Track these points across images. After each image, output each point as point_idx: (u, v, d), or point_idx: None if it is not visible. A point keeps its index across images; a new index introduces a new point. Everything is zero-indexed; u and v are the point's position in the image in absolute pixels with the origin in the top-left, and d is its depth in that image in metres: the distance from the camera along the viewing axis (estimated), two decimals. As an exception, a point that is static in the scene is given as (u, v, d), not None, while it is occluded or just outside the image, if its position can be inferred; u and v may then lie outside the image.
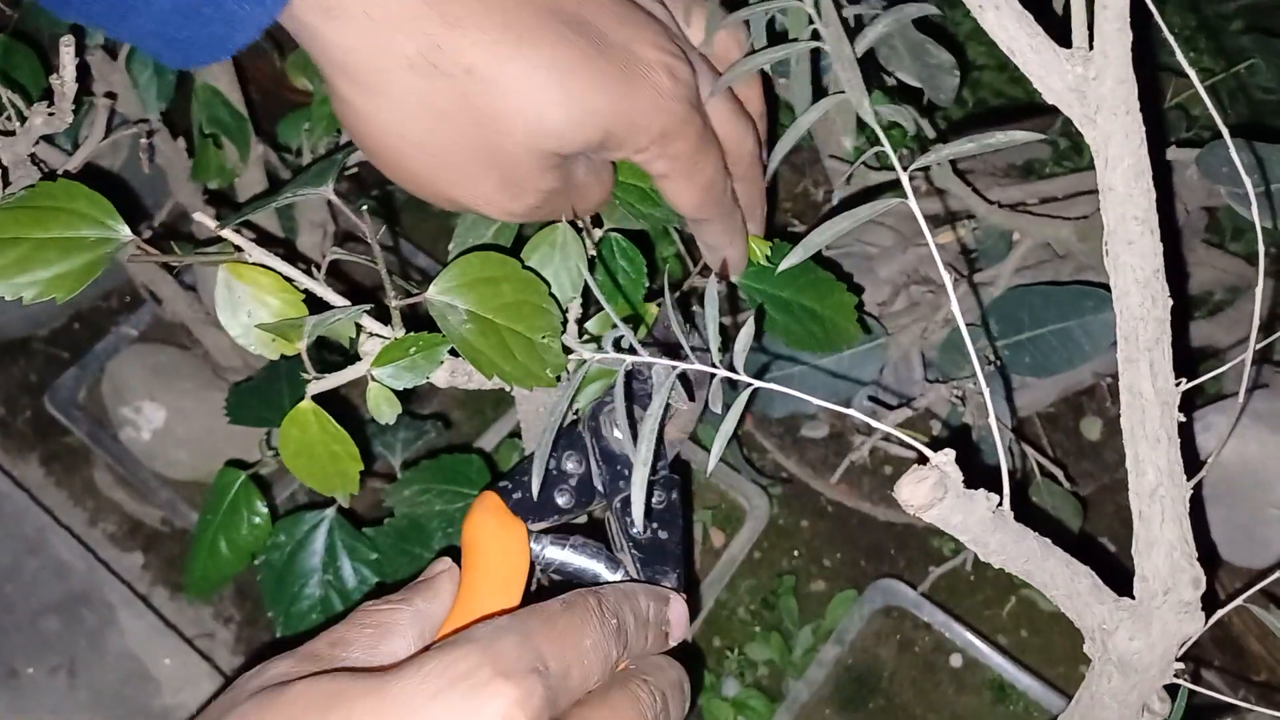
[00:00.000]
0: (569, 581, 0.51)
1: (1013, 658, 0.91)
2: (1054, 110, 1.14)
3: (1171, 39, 0.44)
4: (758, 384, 0.44)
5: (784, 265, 0.46)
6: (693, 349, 0.45)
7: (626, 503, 0.53)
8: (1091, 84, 0.43)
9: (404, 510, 0.73)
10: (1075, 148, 1.30)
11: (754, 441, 1.09)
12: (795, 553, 1.08)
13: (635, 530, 0.52)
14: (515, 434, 0.94)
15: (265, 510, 0.71)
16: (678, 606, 0.49)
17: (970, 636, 0.92)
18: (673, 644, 0.49)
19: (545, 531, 0.53)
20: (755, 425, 1.07)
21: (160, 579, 1.05)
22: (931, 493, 0.41)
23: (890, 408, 0.90)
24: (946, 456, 0.41)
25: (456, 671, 0.37)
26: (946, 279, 0.44)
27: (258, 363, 0.98)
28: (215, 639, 1.01)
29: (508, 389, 0.64)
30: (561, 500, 0.53)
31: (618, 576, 0.51)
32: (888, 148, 0.47)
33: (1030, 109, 1.35)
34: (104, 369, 1.03)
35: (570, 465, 0.54)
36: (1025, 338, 0.83)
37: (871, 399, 0.90)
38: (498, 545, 0.51)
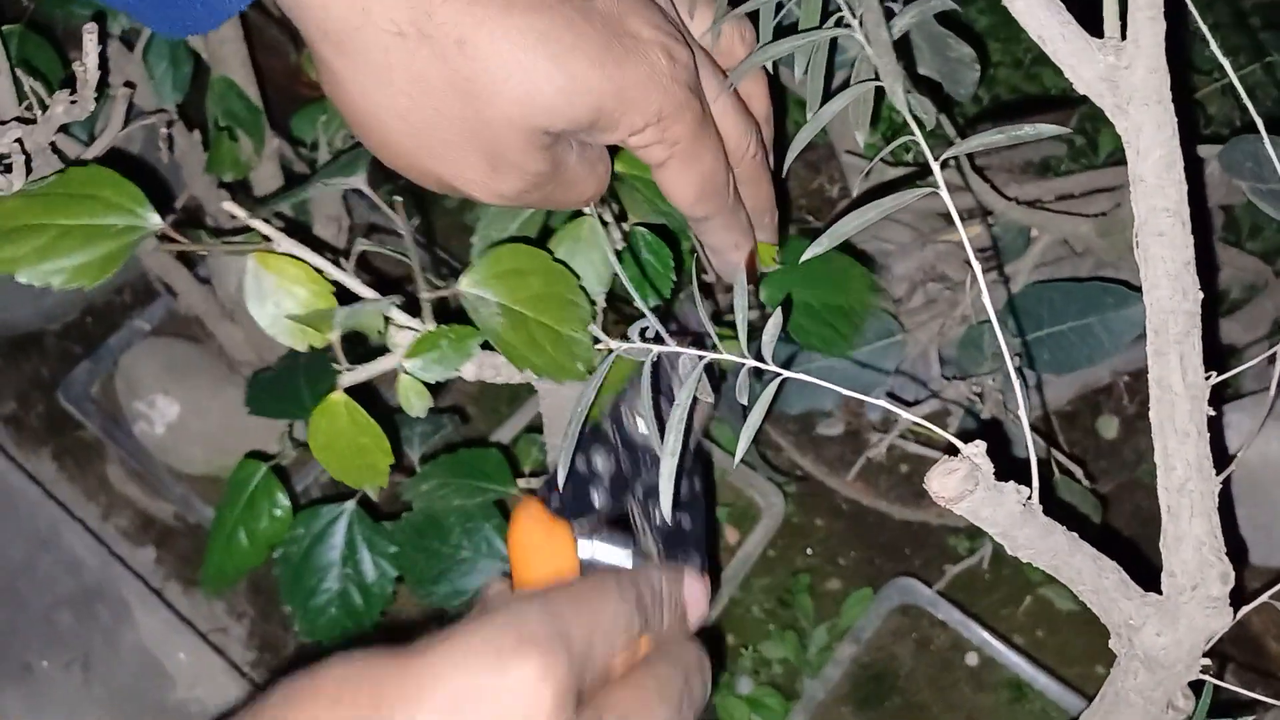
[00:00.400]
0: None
1: (1030, 657, 0.91)
2: (1069, 106, 1.16)
3: (1205, 29, 0.44)
4: (786, 374, 0.43)
5: (809, 254, 0.45)
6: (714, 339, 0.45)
7: (650, 492, 0.53)
8: (1123, 73, 0.43)
9: (422, 504, 0.73)
10: (1091, 145, 1.30)
11: (769, 439, 1.08)
12: (810, 551, 1.08)
13: (659, 519, 0.52)
14: (533, 428, 0.94)
15: (287, 503, 0.71)
16: (694, 585, 0.49)
17: (987, 635, 0.91)
18: (693, 624, 0.49)
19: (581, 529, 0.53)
20: (771, 422, 1.07)
21: (173, 574, 1.05)
22: (962, 485, 0.40)
23: (908, 404, 0.89)
24: (978, 448, 0.41)
25: (481, 640, 0.37)
26: (977, 268, 0.43)
27: (272, 356, 0.98)
28: (229, 634, 1.01)
29: (533, 382, 0.64)
30: (598, 500, 0.54)
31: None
32: (919, 136, 0.46)
33: (1045, 105, 1.35)
34: (117, 363, 1.03)
35: (600, 462, 0.54)
36: (1045, 334, 0.82)
37: (890, 395, 0.90)
38: (546, 551, 0.52)
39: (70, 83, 0.60)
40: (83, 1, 0.78)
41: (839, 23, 0.55)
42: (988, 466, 0.41)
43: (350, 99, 0.47)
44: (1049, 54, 0.44)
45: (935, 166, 0.46)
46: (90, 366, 1.04)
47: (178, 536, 1.07)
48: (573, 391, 0.68)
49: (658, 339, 0.46)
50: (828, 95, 0.60)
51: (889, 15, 0.73)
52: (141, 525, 1.08)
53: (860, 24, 0.51)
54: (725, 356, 0.43)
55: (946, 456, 0.41)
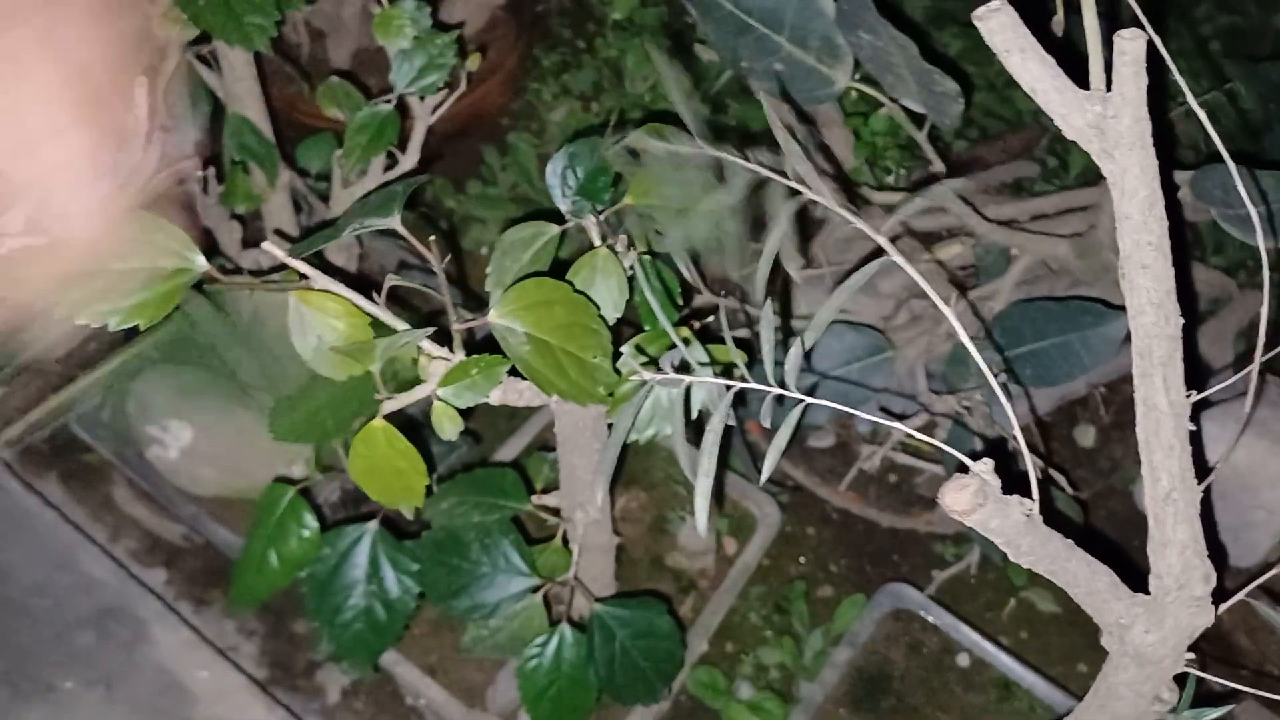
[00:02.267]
0: None
1: (1018, 657, 0.95)
2: (1040, 128, 1.22)
3: (1181, 80, 0.48)
4: (810, 400, 0.47)
5: (808, 342, 0.48)
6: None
7: None
8: (1110, 122, 0.47)
9: (442, 522, 0.76)
10: (1063, 166, 1.35)
11: (762, 452, 1.12)
12: (802, 560, 1.12)
13: None
14: (543, 446, 0.97)
15: (315, 524, 0.73)
16: None
17: (977, 637, 0.96)
18: None
19: None
20: (764, 436, 1.11)
21: (183, 594, 1.07)
22: (973, 499, 0.44)
23: (899, 417, 0.94)
24: (986, 466, 0.45)
25: None
26: (943, 306, 0.47)
27: (282, 383, 1.01)
28: (240, 652, 1.03)
29: (552, 405, 0.68)
30: None
31: None
32: (860, 224, 0.50)
33: (1017, 127, 1.40)
34: (128, 389, 1.05)
35: None
36: (1027, 350, 0.87)
37: (882, 409, 0.94)
38: None
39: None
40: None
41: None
42: (995, 482, 0.45)
43: None
44: (1040, 105, 0.48)
45: (884, 242, 0.49)
46: (101, 392, 1.06)
47: (186, 556, 1.09)
48: (587, 413, 0.72)
49: (686, 368, 0.49)
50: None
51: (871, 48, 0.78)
52: (149, 546, 1.10)
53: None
54: (754, 386, 0.46)
55: (958, 474, 0.45)
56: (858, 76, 0.90)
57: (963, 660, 0.97)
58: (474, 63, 0.85)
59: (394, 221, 0.58)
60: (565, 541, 0.82)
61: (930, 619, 0.98)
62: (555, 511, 0.81)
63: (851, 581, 1.11)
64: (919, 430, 1.02)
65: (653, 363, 0.57)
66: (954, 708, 0.95)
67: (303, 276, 0.58)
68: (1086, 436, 1.10)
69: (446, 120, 0.88)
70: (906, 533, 1.13)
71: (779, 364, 0.47)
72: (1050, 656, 1.05)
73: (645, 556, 1.02)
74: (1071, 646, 1.08)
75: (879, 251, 0.47)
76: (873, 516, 1.10)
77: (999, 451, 0.88)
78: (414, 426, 0.60)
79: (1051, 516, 0.53)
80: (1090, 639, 1.08)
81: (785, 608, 1.08)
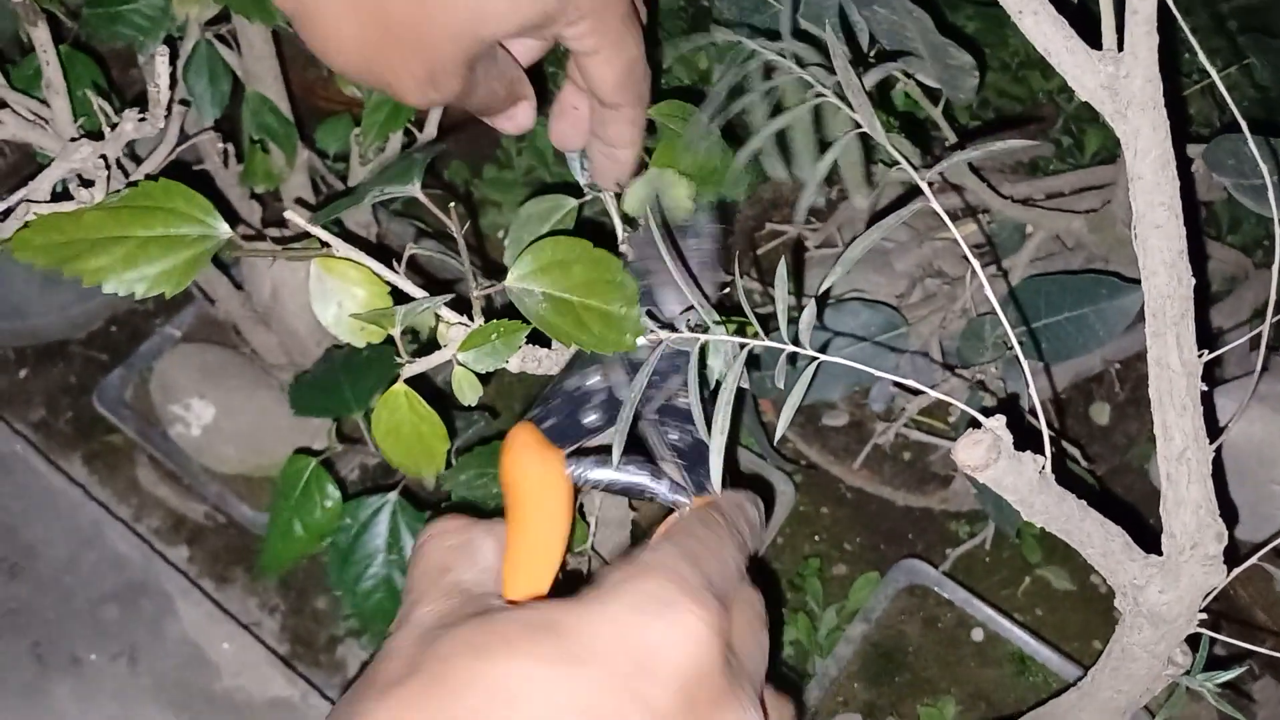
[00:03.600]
0: (621, 494, 0.52)
1: (1033, 632, 0.95)
2: (1055, 109, 1.23)
3: (1194, 40, 0.49)
4: (824, 358, 0.48)
5: (826, 283, 0.49)
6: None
7: (666, 410, 0.54)
8: (1122, 82, 0.47)
9: (461, 494, 0.77)
10: (1078, 145, 1.35)
11: (773, 430, 1.13)
12: (816, 538, 1.13)
13: (672, 437, 0.53)
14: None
15: (337, 494, 0.74)
16: (750, 508, 0.51)
17: (991, 612, 0.96)
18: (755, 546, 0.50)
19: (583, 452, 0.52)
20: (777, 414, 1.11)
21: (206, 572, 1.08)
22: (987, 454, 0.45)
23: (913, 393, 0.94)
24: (999, 421, 0.45)
25: (647, 594, 0.38)
26: (976, 265, 0.48)
27: (302, 359, 1.02)
28: (262, 628, 1.04)
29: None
30: (589, 419, 0.54)
31: (662, 487, 0.51)
32: (908, 167, 0.51)
33: (1033, 107, 1.41)
34: (151, 368, 1.06)
35: (594, 381, 0.56)
36: (1042, 324, 0.87)
37: (898, 384, 0.94)
38: (538, 475, 0.51)
39: (106, 97, 0.64)
40: (126, 22, 0.82)
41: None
42: (1008, 438, 0.46)
43: None
44: (1054, 65, 0.48)
45: (925, 187, 0.50)
46: (124, 372, 1.07)
47: (209, 535, 1.11)
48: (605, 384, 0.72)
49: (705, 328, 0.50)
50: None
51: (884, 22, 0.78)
52: (173, 525, 1.11)
53: (837, 90, 0.55)
54: (769, 344, 0.47)
55: (970, 429, 0.46)
56: (873, 54, 0.90)
57: (978, 635, 0.97)
58: (490, 40, 0.86)
59: (414, 189, 0.59)
60: (582, 514, 0.82)
61: (945, 594, 0.98)
62: (572, 485, 0.82)
63: (866, 560, 1.12)
64: (934, 405, 1.03)
65: (667, 325, 0.58)
66: (969, 681, 0.95)
67: (324, 245, 0.59)
68: (1102, 414, 1.10)
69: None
70: (921, 511, 1.13)
71: (794, 322, 0.48)
72: (1066, 633, 1.06)
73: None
74: (1087, 624, 1.08)
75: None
76: (887, 494, 1.10)
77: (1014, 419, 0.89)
78: (434, 400, 0.61)
79: (1066, 479, 0.53)
80: (1105, 616, 1.09)
81: (799, 585, 1.08)
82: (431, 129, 0.88)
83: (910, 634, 0.98)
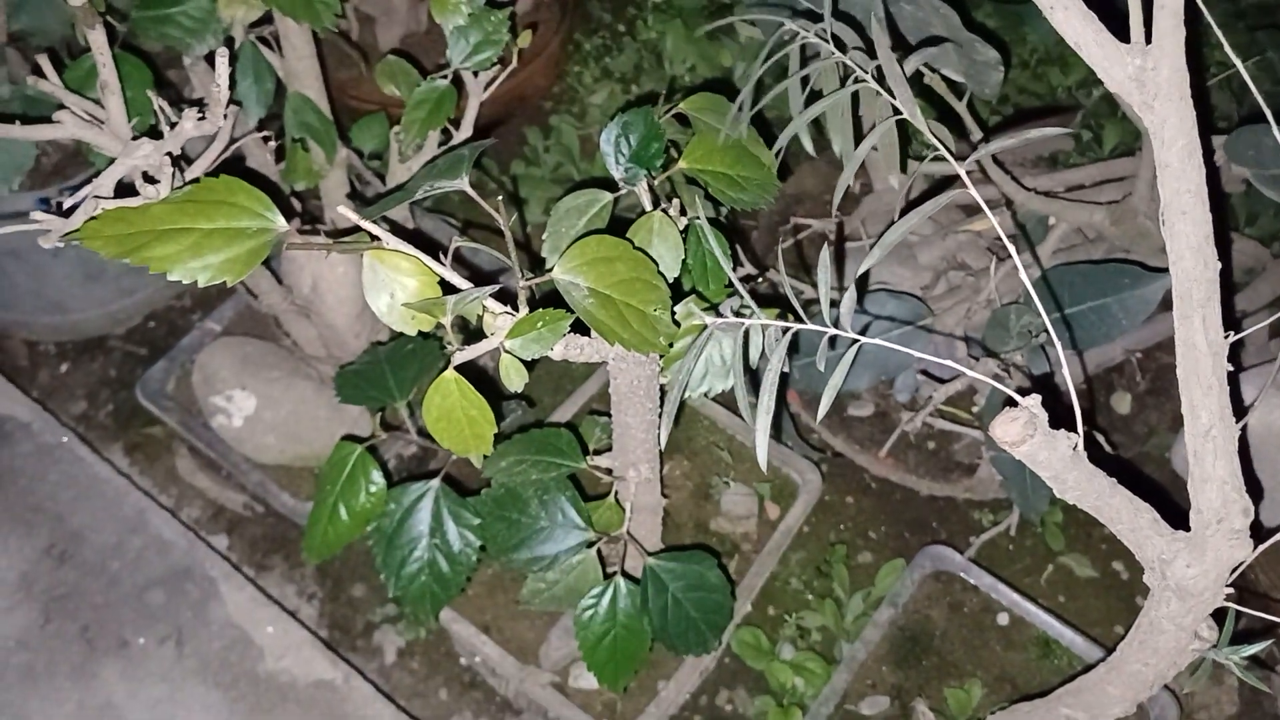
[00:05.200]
0: None
1: (1057, 615, 0.97)
2: (1074, 105, 1.26)
3: (1220, 34, 0.51)
4: (865, 340, 0.50)
5: (864, 266, 0.52)
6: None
7: None
8: (1150, 74, 0.49)
9: (501, 480, 0.80)
10: (1097, 140, 1.37)
11: (802, 420, 1.15)
12: (842, 526, 1.15)
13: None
14: (593, 411, 1.01)
15: (381, 480, 0.77)
16: None
17: (1017, 597, 0.98)
18: None
19: None
20: (804, 406, 1.13)
21: (245, 559, 1.11)
22: (1023, 430, 0.47)
23: (941, 381, 0.96)
24: (1035, 399, 0.47)
25: None
26: (1012, 249, 0.50)
27: (341, 351, 1.05)
28: (300, 615, 1.07)
29: (610, 361, 0.71)
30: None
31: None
32: (945, 153, 0.53)
33: (1052, 103, 1.42)
34: (192, 361, 1.09)
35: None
36: (1066, 314, 0.89)
37: (925, 373, 0.96)
38: None
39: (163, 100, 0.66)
40: (174, 24, 0.84)
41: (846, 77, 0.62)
42: (1043, 415, 0.48)
43: None
44: (1083, 58, 0.50)
45: (962, 172, 0.52)
46: (166, 365, 1.10)
47: (248, 524, 1.14)
48: (642, 371, 0.75)
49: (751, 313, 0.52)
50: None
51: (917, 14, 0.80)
52: (212, 515, 1.14)
53: (875, 75, 0.57)
54: (812, 327, 0.49)
55: (1008, 408, 0.48)
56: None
57: (1003, 619, 0.99)
58: (525, 40, 0.88)
59: (463, 183, 0.61)
60: (618, 500, 0.85)
61: (970, 580, 1.00)
62: (608, 472, 0.84)
63: (890, 548, 1.14)
64: (960, 394, 1.05)
65: (712, 309, 0.60)
66: (995, 664, 0.97)
67: (373, 238, 0.61)
68: (1123, 403, 1.12)
69: (490, 103, 0.91)
70: (945, 500, 1.15)
71: (834, 305, 0.50)
72: (1088, 619, 1.07)
73: (689, 521, 1.05)
74: (1109, 610, 1.10)
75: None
76: (911, 483, 1.12)
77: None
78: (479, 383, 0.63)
79: (1095, 457, 0.55)
80: (1127, 602, 1.11)
81: (826, 572, 1.10)
82: (468, 128, 0.91)
83: (936, 619, 1.00)
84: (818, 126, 0.77)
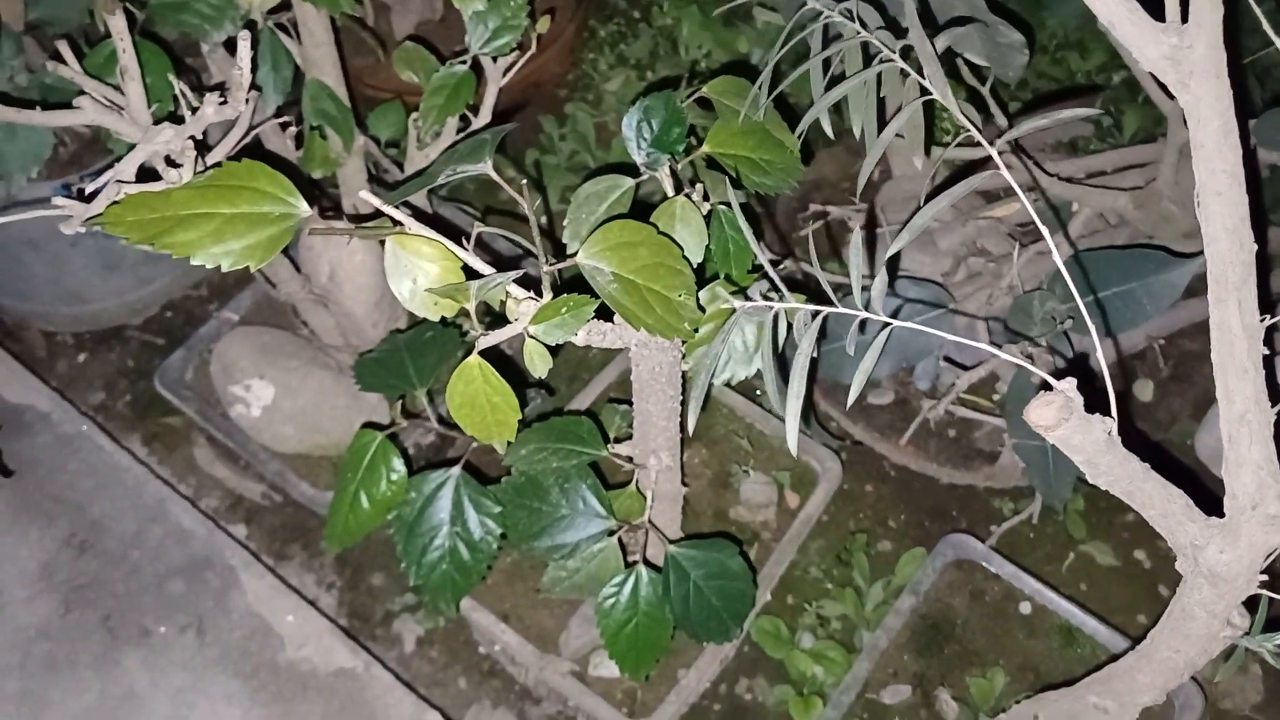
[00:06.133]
0: None
1: (1080, 604, 0.96)
2: (1094, 90, 1.24)
3: (1260, 13, 0.50)
4: (896, 324, 0.49)
5: (893, 249, 0.51)
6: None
7: None
8: (1185, 52, 0.48)
9: (522, 468, 0.79)
10: (1117, 125, 1.36)
11: (823, 410, 1.15)
12: (861, 515, 1.14)
13: None
14: (612, 399, 1.00)
15: (402, 467, 0.76)
16: None
17: (1039, 585, 0.97)
18: None
19: None
20: (823, 394, 1.13)
21: (264, 549, 1.11)
22: (1059, 414, 0.46)
23: (963, 368, 0.95)
24: (1070, 383, 0.47)
25: None
26: (1045, 232, 0.49)
27: (358, 340, 1.04)
28: (320, 604, 1.07)
29: (632, 348, 0.70)
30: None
31: None
32: (976, 133, 0.52)
33: (1071, 88, 1.41)
34: (210, 350, 1.09)
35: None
36: (1089, 300, 0.88)
37: (948, 359, 0.95)
38: None
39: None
40: (192, 11, 0.84)
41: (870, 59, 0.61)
42: (1079, 399, 0.47)
43: None
44: (1117, 37, 0.49)
45: (994, 153, 0.52)
46: (183, 355, 1.10)
47: (266, 513, 1.14)
48: (664, 358, 0.74)
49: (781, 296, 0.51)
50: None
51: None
52: (230, 505, 1.14)
53: (903, 54, 0.57)
54: (844, 310, 0.49)
55: (1043, 391, 0.47)
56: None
57: (1025, 608, 0.99)
58: (544, 25, 0.88)
59: (485, 167, 0.61)
60: (639, 489, 0.84)
61: (992, 568, 0.99)
62: (628, 460, 0.84)
63: (911, 536, 1.13)
64: (983, 381, 1.04)
65: (740, 292, 0.59)
66: (1017, 653, 0.96)
67: (395, 224, 0.61)
68: (1145, 390, 1.11)
69: (505, 91, 0.90)
70: (965, 488, 1.14)
71: (865, 289, 0.49)
72: (1110, 607, 1.07)
73: (709, 509, 1.04)
74: (1131, 598, 1.09)
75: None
76: (932, 471, 1.12)
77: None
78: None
79: (1128, 442, 0.55)
80: (1149, 591, 1.10)
81: (846, 561, 1.10)
82: (486, 113, 0.90)
83: (958, 607, 0.99)
84: (837, 111, 0.76)
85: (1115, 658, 0.67)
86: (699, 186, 0.69)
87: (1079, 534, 1.11)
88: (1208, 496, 0.56)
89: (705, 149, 0.71)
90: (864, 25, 0.64)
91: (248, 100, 0.64)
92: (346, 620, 1.07)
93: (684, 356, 0.74)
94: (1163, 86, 0.66)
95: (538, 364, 0.60)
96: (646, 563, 0.80)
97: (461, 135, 0.90)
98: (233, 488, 1.15)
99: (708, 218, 0.69)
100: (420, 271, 0.60)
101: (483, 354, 0.61)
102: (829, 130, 0.78)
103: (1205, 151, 0.49)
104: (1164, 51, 0.49)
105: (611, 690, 0.93)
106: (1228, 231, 0.51)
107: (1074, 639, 0.97)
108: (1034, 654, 0.96)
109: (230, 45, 0.87)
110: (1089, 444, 0.49)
